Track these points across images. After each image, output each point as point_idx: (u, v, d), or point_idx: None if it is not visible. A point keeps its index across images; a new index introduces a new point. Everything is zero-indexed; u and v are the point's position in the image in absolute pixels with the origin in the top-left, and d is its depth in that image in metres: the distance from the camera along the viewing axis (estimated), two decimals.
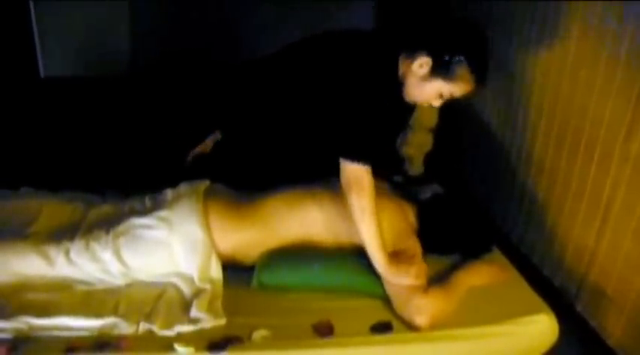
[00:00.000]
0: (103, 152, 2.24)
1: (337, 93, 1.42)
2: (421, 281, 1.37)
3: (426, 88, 1.42)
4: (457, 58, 1.36)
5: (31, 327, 1.26)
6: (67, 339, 1.24)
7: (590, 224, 1.41)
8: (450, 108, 2.18)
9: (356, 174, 1.38)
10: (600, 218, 1.37)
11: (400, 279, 1.37)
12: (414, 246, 1.49)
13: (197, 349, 1.22)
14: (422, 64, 1.39)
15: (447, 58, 1.36)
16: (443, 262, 1.56)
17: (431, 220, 1.58)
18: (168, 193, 1.58)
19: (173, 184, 1.62)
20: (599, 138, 1.37)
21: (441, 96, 1.42)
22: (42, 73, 2.54)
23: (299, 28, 2.48)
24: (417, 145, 2.24)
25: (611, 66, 1.32)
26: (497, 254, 1.62)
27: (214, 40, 2.56)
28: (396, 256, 1.42)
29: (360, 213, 1.38)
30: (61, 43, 2.53)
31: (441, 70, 1.38)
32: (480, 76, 1.39)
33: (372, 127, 1.40)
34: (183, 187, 1.59)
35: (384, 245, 1.40)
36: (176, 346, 1.22)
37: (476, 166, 2.14)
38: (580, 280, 1.46)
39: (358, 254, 1.49)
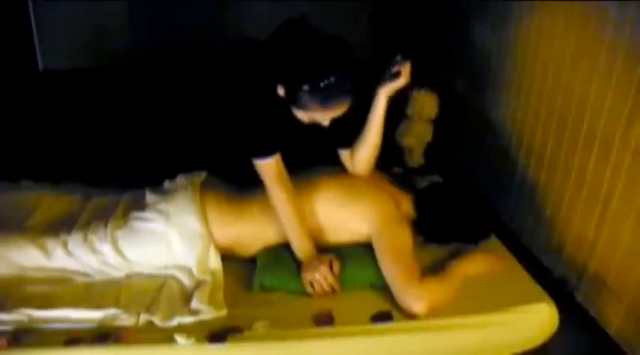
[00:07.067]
0: (102, 144, 2.23)
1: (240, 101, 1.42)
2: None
3: (295, 113, 1.35)
4: (300, 88, 1.26)
5: (32, 319, 1.27)
6: (68, 331, 1.25)
7: (589, 214, 1.41)
8: (450, 98, 2.20)
9: (260, 169, 1.42)
10: (600, 208, 1.37)
11: (311, 274, 1.37)
12: (407, 235, 1.47)
13: (197, 340, 1.22)
14: (281, 91, 1.33)
15: (292, 88, 1.28)
16: (441, 251, 1.56)
17: (426, 208, 1.58)
18: (166, 185, 1.58)
19: (172, 176, 1.61)
20: (599, 127, 1.36)
21: (311, 120, 1.34)
22: (40, 66, 2.53)
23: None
24: (417, 136, 2.23)
25: (611, 54, 1.31)
26: (495, 242, 1.62)
27: (212, 31, 2.55)
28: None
29: (275, 201, 1.43)
30: (59, 35, 2.51)
31: (291, 99, 1.31)
32: (325, 103, 1.27)
33: (262, 127, 1.40)
34: (180, 179, 1.59)
35: (302, 230, 1.43)
36: (176, 337, 1.22)
37: (476, 157, 2.13)
38: (580, 270, 1.46)
39: (357, 246, 1.50)
